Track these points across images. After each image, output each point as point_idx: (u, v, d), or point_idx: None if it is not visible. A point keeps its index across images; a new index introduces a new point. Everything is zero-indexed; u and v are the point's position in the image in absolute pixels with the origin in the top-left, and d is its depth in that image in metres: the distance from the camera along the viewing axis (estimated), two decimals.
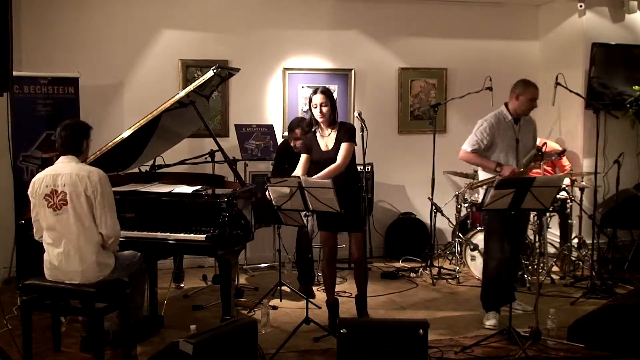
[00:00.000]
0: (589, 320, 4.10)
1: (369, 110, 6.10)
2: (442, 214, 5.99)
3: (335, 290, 4.63)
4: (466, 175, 6.21)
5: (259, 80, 6.35)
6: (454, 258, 6.11)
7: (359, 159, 4.33)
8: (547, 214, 5.60)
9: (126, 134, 4.26)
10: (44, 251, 3.65)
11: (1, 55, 3.21)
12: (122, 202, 3.94)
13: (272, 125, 6.17)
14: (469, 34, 6.80)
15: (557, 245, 6.05)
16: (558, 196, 5.12)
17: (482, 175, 4.65)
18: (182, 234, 3.98)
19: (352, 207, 4.27)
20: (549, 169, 6.06)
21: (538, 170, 4.53)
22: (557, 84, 5.37)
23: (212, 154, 5.02)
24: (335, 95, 5.24)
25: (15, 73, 3.45)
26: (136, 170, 4.86)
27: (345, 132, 4.34)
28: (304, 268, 5.25)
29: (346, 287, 5.40)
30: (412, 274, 5.88)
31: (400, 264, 6.26)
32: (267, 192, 4.08)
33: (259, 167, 6.18)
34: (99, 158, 4.16)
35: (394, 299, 5.23)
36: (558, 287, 5.43)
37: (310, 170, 4.38)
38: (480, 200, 4.28)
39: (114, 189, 3.71)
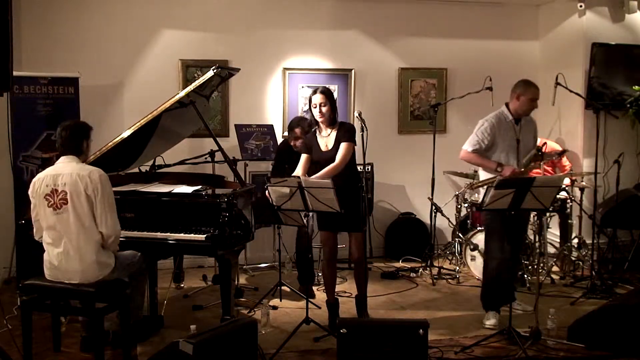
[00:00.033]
0: (589, 320, 4.10)
1: (369, 110, 6.10)
2: (442, 214, 5.99)
3: (335, 290, 4.63)
4: (466, 175, 6.21)
5: (259, 80, 6.35)
6: (454, 258, 6.11)
7: (359, 159, 4.33)
8: (547, 214, 5.60)
9: (126, 134, 4.26)
10: (44, 251, 3.65)
11: (1, 55, 3.21)
12: (122, 202, 3.94)
13: (272, 125, 6.17)
14: (469, 34, 6.80)
15: (557, 245, 6.05)
16: (558, 196, 5.12)
17: (483, 175, 4.64)
18: (182, 234, 3.98)
19: (352, 207, 4.26)
20: (549, 169, 6.06)
21: (538, 170, 4.53)
22: (557, 84, 5.37)
23: (212, 154, 5.01)
24: (335, 95, 5.24)
25: (15, 73, 3.45)
26: (136, 170, 4.86)
27: (345, 132, 4.34)
28: (304, 268, 5.25)
29: (346, 287, 5.40)
30: (412, 274, 5.88)
31: (400, 264, 6.26)
32: (267, 192, 4.08)
33: (259, 167, 6.18)
34: (99, 158, 4.16)
35: (394, 299, 5.23)
36: (558, 287, 5.43)
37: (311, 170, 4.38)
38: (480, 200, 4.28)
39: (114, 189, 3.71)
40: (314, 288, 5.30)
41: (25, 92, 5.24)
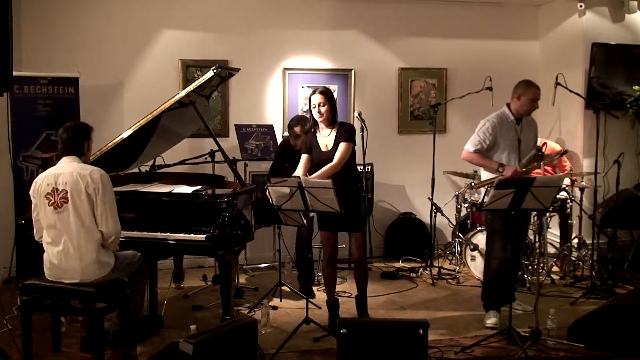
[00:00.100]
0: (589, 320, 4.10)
1: (369, 110, 6.10)
2: (442, 214, 5.99)
3: (336, 290, 4.63)
4: (466, 175, 6.21)
5: (259, 80, 6.35)
6: (454, 258, 6.11)
7: (359, 159, 4.33)
8: (547, 214, 5.61)
9: (126, 134, 4.27)
10: (44, 251, 3.66)
11: (1, 55, 3.21)
12: (122, 202, 3.93)
13: (272, 125, 6.18)
14: (469, 34, 6.80)
15: (557, 245, 6.05)
16: (558, 196, 5.11)
17: (485, 175, 4.65)
18: (182, 234, 3.98)
19: (352, 207, 4.26)
20: (549, 168, 6.06)
21: (538, 170, 4.53)
22: (557, 84, 5.37)
23: (212, 154, 5.01)
24: (335, 95, 5.24)
25: (15, 73, 3.45)
26: (136, 170, 4.86)
27: (344, 132, 4.34)
28: (304, 268, 5.25)
29: (346, 287, 5.40)
30: (412, 274, 5.88)
31: (400, 264, 6.26)
32: (267, 192, 4.08)
33: (259, 167, 6.18)
34: (99, 158, 4.16)
35: (394, 299, 5.22)
36: (558, 287, 5.43)
37: (312, 170, 4.38)
38: (480, 200, 4.28)
39: (114, 189, 3.71)
40: (314, 288, 5.30)
41: (25, 92, 5.24)
